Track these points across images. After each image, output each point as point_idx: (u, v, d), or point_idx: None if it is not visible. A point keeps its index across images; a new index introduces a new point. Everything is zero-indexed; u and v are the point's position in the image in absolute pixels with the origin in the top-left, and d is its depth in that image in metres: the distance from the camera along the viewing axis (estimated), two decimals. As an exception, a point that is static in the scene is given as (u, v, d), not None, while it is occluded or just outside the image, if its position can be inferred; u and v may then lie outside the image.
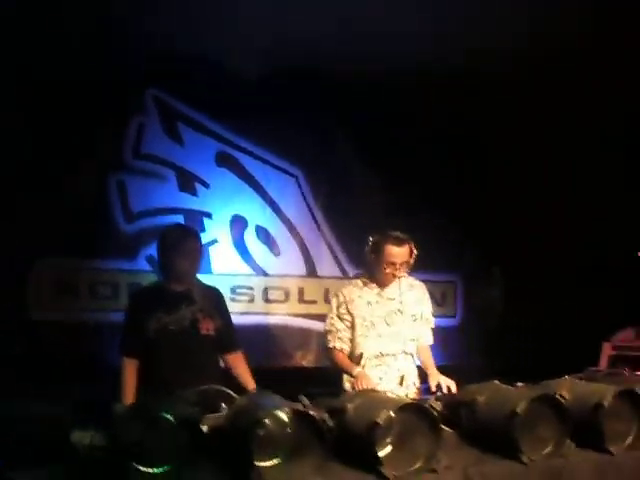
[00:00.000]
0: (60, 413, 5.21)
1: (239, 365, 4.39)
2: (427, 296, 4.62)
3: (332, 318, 4.48)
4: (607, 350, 5.78)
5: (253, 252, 6.66)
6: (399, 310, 4.45)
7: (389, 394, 3.02)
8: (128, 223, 6.33)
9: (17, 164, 5.92)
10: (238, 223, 6.62)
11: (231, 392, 2.75)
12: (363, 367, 4.32)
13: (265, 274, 6.70)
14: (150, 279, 5.72)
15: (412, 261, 4.40)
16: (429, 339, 4.59)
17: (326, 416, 2.50)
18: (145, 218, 6.36)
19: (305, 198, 6.83)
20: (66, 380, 5.57)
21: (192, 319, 4.20)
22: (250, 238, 6.66)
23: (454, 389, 4.03)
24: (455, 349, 6.88)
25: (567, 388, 3.05)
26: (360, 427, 2.58)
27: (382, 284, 4.46)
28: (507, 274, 7.31)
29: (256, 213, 6.69)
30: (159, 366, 4.10)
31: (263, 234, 6.70)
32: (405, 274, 4.46)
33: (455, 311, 7.26)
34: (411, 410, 2.67)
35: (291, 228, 6.79)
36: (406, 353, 4.44)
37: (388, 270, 4.36)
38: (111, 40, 5.79)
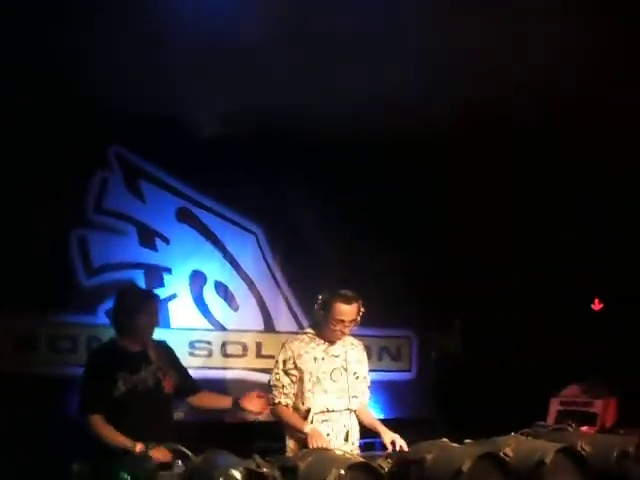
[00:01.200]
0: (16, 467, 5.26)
1: (209, 396, 4.60)
2: (365, 356, 4.75)
3: (278, 373, 4.53)
4: (555, 405, 5.92)
5: (212, 307, 6.71)
6: (343, 367, 4.55)
7: (339, 452, 3.12)
8: (89, 277, 6.35)
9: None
10: (197, 278, 6.68)
11: (186, 450, 2.83)
12: (311, 423, 4.40)
13: (223, 329, 6.74)
14: (109, 333, 5.80)
15: (359, 319, 4.52)
16: (368, 396, 4.71)
17: (278, 474, 2.60)
18: (106, 273, 6.39)
19: (264, 255, 6.92)
20: (23, 433, 5.59)
21: (155, 379, 4.29)
22: (209, 293, 6.72)
23: (405, 446, 4.15)
24: (409, 403, 6.99)
25: (512, 445, 3.18)
26: (311, 485, 2.68)
27: (329, 341, 4.57)
28: (461, 329, 7.44)
29: (215, 269, 6.76)
30: (125, 425, 4.10)
31: (222, 289, 6.76)
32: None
33: (410, 365, 7.34)
34: (361, 469, 2.78)
35: (249, 284, 6.86)
36: (350, 410, 4.54)
37: (337, 327, 4.47)
38: (76, 95, 5.87)
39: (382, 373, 6.70)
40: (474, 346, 7.14)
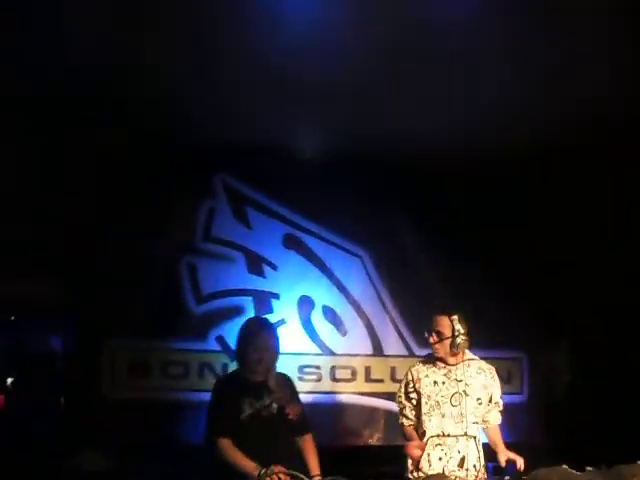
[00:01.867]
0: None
1: (310, 449, 4.50)
2: (497, 380, 4.67)
3: (400, 396, 4.66)
4: (682, 431, 5.69)
5: (320, 332, 6.73)
6: (465, 392, 4.49)
7: (453, 477, 3.08)
8: (198, 304, 6.49)
9: (90, 247, 6.17)
10: (305, 303, 6.72)
11: (305, 478, 2.84)
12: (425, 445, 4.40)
13: (332, 353, 6.75)
14: (220, 359, 5.92)
15: (452, 335, 4.42)
16: (498, 420, 4.64)
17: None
18: (215, 299, 6.51)
19: (370, 278, 6.88)
20: (136, 459, 5.71)
21: (279, 406, 4.37)
22: (317, 318, 6.74)
23: (521, 465, 4.11)
24: (522, 426, 6.81)
25: (639, 475, 3.05)
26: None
27: (447, 362, 4.53)
28: (573, 350, 7.25)
29: (323, 293, 6.78)
30: (247, 450, 4.15)
31: (330, 314, 6.77)
32: (473, 356, 4.57)
33: (521, 388, 7.19)
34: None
35: (357, 307, 6.85)
36: (468, 435, 4.46)
37: (432, 340, 4.48)
38: (182, 125, 6.03)
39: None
40: (588, 366, 6.93)
